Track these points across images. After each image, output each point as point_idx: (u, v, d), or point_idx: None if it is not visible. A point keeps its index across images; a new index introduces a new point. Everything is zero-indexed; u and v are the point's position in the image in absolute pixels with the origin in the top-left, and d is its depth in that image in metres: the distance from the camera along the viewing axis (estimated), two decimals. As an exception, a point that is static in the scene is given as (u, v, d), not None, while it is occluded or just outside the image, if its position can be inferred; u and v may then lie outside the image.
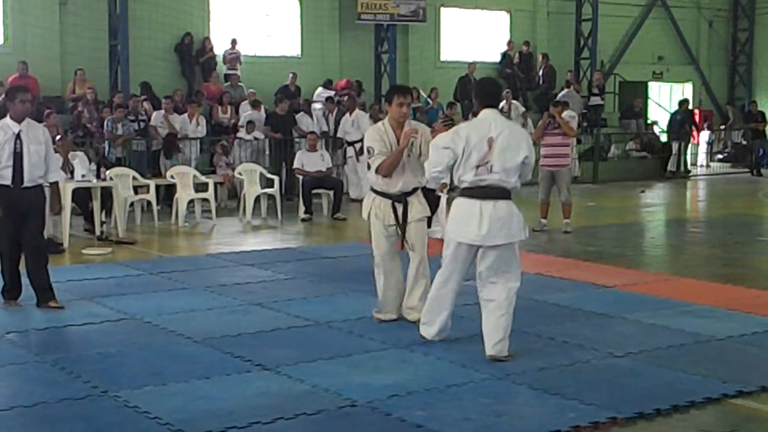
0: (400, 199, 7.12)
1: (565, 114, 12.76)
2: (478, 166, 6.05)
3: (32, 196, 7.89)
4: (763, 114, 24.53)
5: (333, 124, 18.02)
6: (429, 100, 20.22)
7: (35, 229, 7.94)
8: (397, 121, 7.12)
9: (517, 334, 6.86)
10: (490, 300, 6.21)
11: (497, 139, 6.04)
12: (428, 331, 6.58)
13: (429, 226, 12.19)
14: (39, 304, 7.88)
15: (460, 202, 6.21)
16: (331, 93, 19.45)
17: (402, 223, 7.12)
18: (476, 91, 6.53)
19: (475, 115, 6.48)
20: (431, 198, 12.19)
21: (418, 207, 7.18)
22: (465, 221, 6.12)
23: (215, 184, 14.82)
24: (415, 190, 7.20)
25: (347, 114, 17.20)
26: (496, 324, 6.16)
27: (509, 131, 6.16)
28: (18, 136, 7.75)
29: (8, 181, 7.73)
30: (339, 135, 17.38)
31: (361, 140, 15.86)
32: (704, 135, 25.92)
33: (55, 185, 8.24)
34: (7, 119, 7.86)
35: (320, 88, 19.87)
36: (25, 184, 7.79)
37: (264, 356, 6.28)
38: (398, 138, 7.08)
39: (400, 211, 7.13)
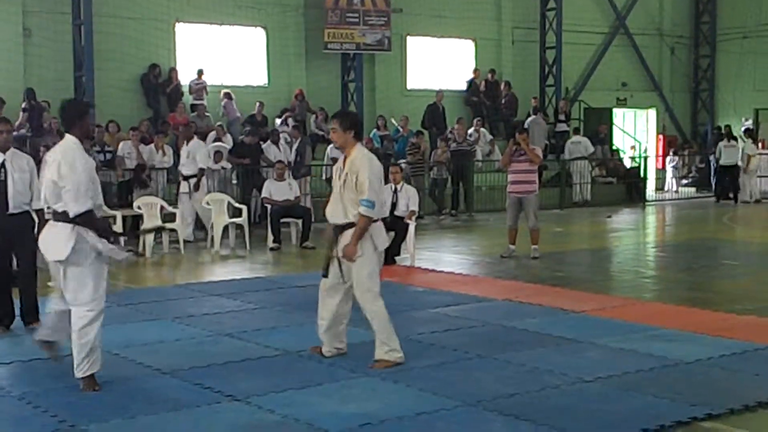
0: (334, 230, 6.81)
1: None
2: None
3: (19, 222, 8.10)
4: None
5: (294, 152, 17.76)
6: (399, 128, 20.27)
7: (29, 252, 8.08)
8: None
9: (487, 360, 6.90)
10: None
11: (49, 164, 6.22)
12: None
13: (398, 253, 12.37)
14: (26, 323, 8.17)
15: None
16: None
17: (333, 255, 6.84)
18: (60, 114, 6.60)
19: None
20: (400, 225, 12.31)
21: (342, 243, 6.74)
22: None
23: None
24: (349, 224, 6.71)
25: (184, 144, 15.59)
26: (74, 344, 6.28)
27: (59, 155, 6.20)
28: (2, 165, 8.01)
29: None
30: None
31: (196, 175, 15.09)
32: (669, 160, 26.25)
33: (40, 212, 8.28)
34: None
35: (277, 120, 19.83)
36: (11, 211, 8.03)
37: (234, 387, 6.24)
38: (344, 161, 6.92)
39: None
